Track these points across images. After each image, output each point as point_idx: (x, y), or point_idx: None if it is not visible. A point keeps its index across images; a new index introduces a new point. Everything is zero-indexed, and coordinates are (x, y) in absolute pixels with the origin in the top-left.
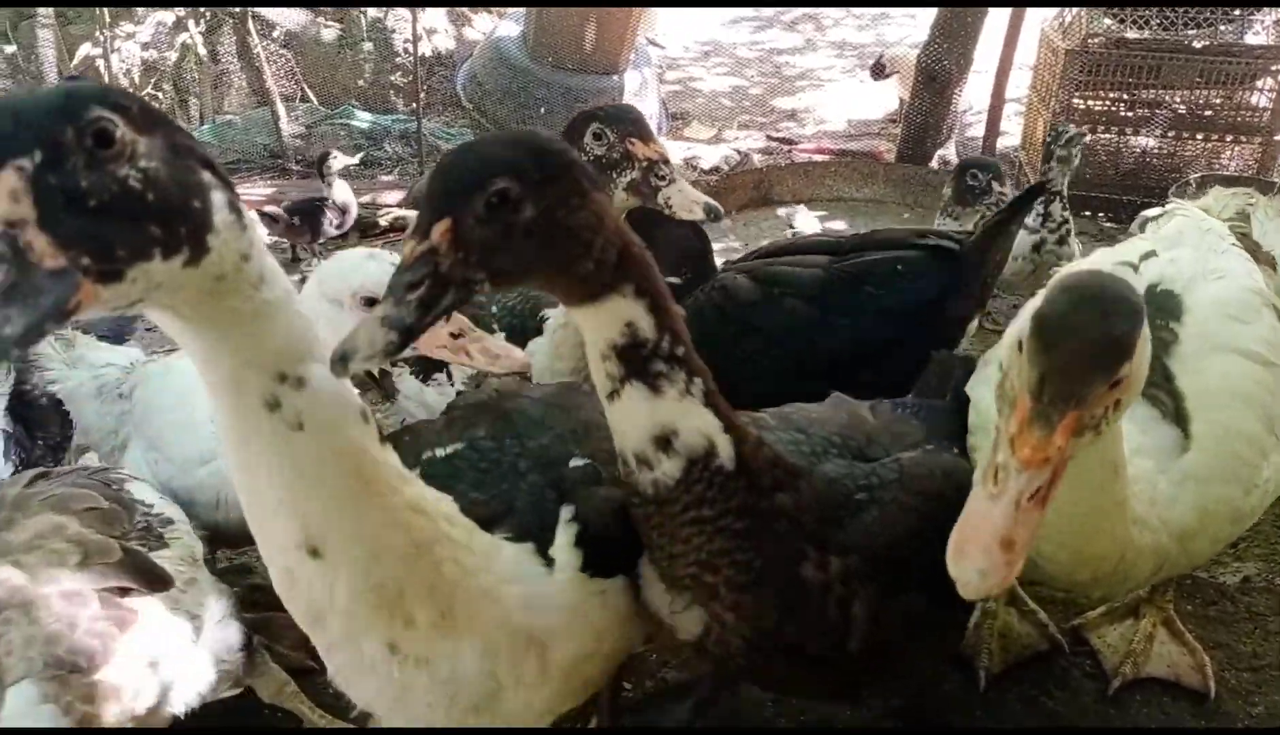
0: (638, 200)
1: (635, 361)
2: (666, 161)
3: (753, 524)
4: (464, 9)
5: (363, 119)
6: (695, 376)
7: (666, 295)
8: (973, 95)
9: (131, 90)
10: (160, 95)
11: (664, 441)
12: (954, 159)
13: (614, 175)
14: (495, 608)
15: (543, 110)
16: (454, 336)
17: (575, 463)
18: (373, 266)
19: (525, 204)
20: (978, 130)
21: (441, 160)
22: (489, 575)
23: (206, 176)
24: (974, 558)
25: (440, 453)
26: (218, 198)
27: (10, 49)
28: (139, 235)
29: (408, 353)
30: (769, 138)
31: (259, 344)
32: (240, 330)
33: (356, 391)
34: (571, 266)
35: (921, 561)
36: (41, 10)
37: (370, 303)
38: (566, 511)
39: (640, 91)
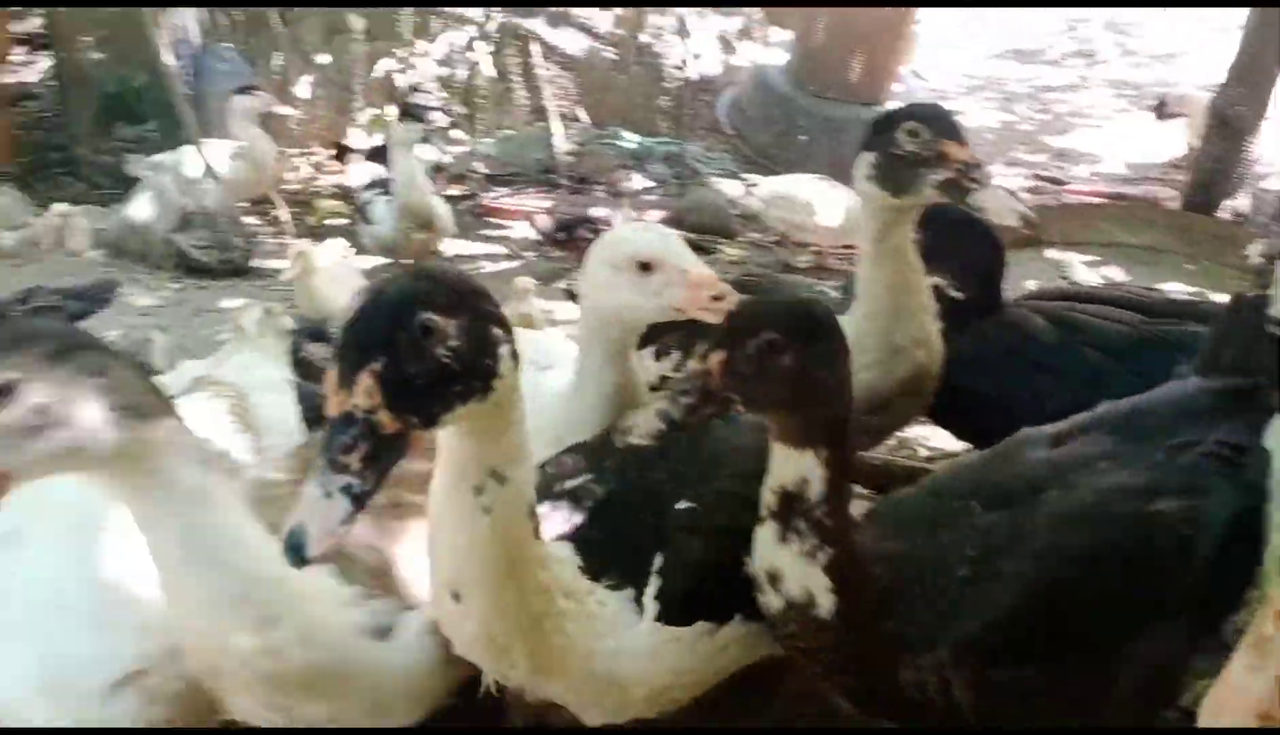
0: (946, 200)
1: (786, 508)
2: (980, 165)
3: (845, 654)
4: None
5: (629, 140)
6: (827, 545)
7: (849, 468)
8: (1267, 144)
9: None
10: (449, 109)
11: (774, 577)
12: (1246, 211)
13: (924, 172)
14: (585, 662)
15: (803, 138)
16: (715, 300)
17: (681, 505)
18: (645, 235)
19: (787, 353)
20: (1274, 182)
21: (731, 313)
22: (585, 638)
23: (496, 333)
24: (1228, 724)
25: (569, 485)
26: (504, 349)
27: (324, 59)
28: (450, 395)
29: None
30: (1037, 177)
31: (494, 446)
32: (489, 434)
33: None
34: (802, 414)
35: (1054, 625)
36: (355, 27)
37: (644, 267)
38: (657, 561)
39: None
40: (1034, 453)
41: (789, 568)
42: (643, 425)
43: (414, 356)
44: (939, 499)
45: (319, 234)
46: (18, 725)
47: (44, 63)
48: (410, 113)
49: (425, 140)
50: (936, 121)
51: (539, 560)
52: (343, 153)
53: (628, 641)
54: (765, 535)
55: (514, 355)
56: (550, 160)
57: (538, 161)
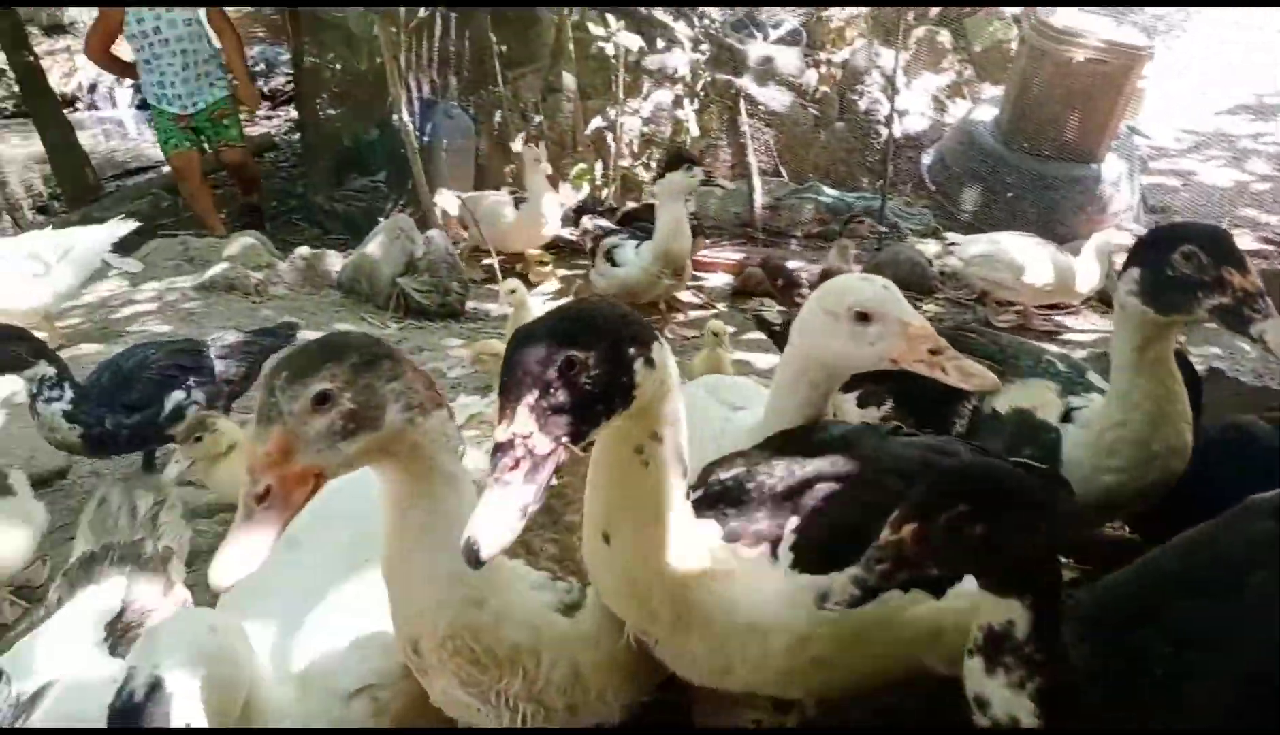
0: (1220, 326)
1: (993, 646)
2: (1263, 294)
3: None
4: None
5: (828, 195)
6: (1035, 675)
7: (1055, 612)
8: None
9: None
10: (652, 164)
11: (981, 703)
12: None
13: (1200, 296)
14: (727, 615)
15: (1010, 195)
16: (932, 353)
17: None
18: (866, 286)
19: (979, 524)
20: None
21: (926, 485)
22: (727, 590)
23: (631, 351)
24: None
25: (723, 475)
26: (638, 364)
27: (538, 118)
28: (594, 414)
29: None
30: (1266, 240)
31: (650, 416)
32: (645, 412)
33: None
34: (1003, 573)
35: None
36: (568, 87)
37: (863, 317)
38: (791, 521)
39: (1119, 181)
40: (1254, 524)
41: (995, 696)
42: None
43: (561, 388)
44: (1143, 582)
45: (526, 280)
46: (269, 704)
47: (286, 116)
48: (689, 160)
49: (703, 184)
50: (1216, 245)
51: (685, 512)
52: (581, 212)
53: (767, 586)
54: (973, 666)
55: (650, 361)
56: (749, 214)
57: (736, 215)
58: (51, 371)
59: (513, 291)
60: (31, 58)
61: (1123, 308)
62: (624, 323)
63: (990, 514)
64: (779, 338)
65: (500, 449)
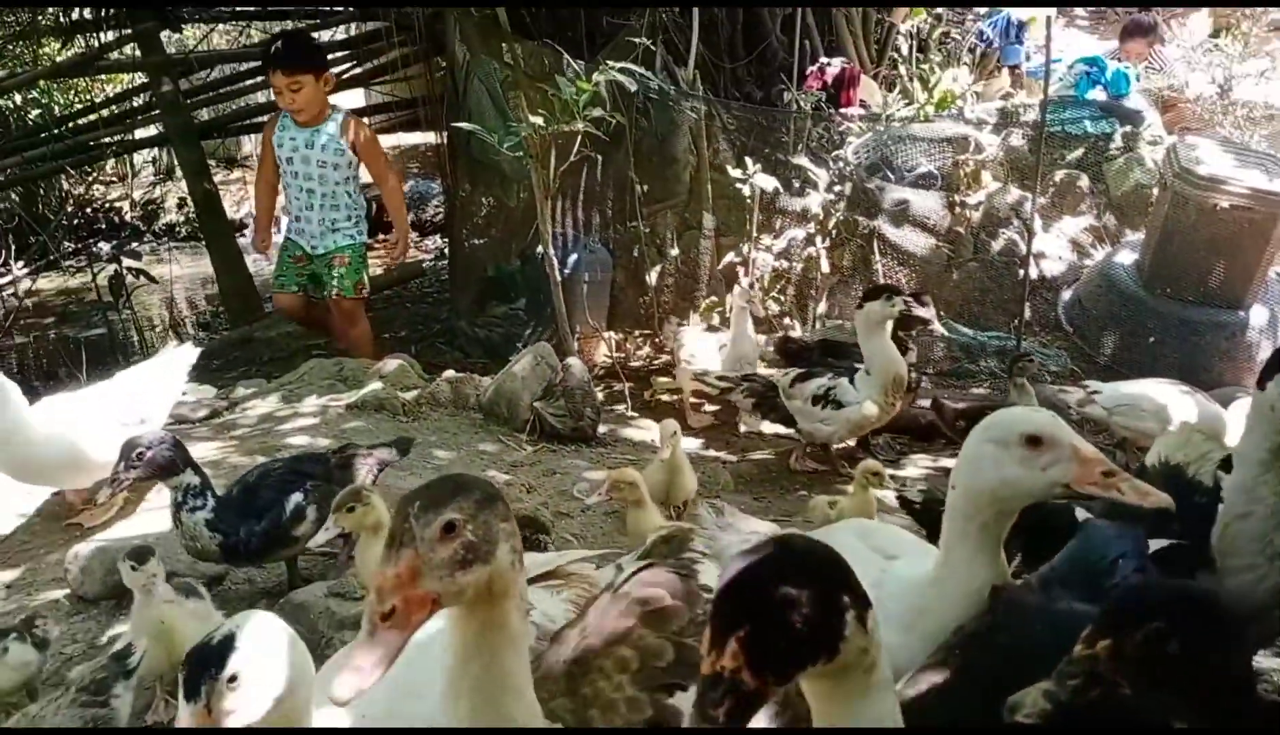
0: None
1: None
2: None
3: None
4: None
5: (961, 333)
6: None
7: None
8: None
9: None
10: (782, 297)
11: None
12: None
13: None
14: None
15: (1151, 340)
16: (1106, 475)
17: None
18: (1034, 413)
19: (1174, 643)
20: None
21: (1118, 600)
22: None
23: (845, 600)
24: None
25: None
26: (849, 616)
27: (674, 252)
28: (801, 657)
29: None
30: None
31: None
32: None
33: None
34: (1198, 695)
35: None
36: (706, 225)
37: (1033, 442)
38: None
39: (1268, 329)
40: None
41: None
42: (1029, 706)
43: (774, 626)
44: None
45: (654, 408)
46: None
47: (433, 246)
48: (888, 290)
49: (897, 313)
50: None
51: None
52: (786, 346)
53: None
54: None
55: (861, 621)
56: None
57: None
58: (196, 480)
59: (673, 435)
60: (210, 187)
61: (1272, 409)
62: (841, 570)
63: (1186, 634)
64: (920, 515)
65: (707, 682)
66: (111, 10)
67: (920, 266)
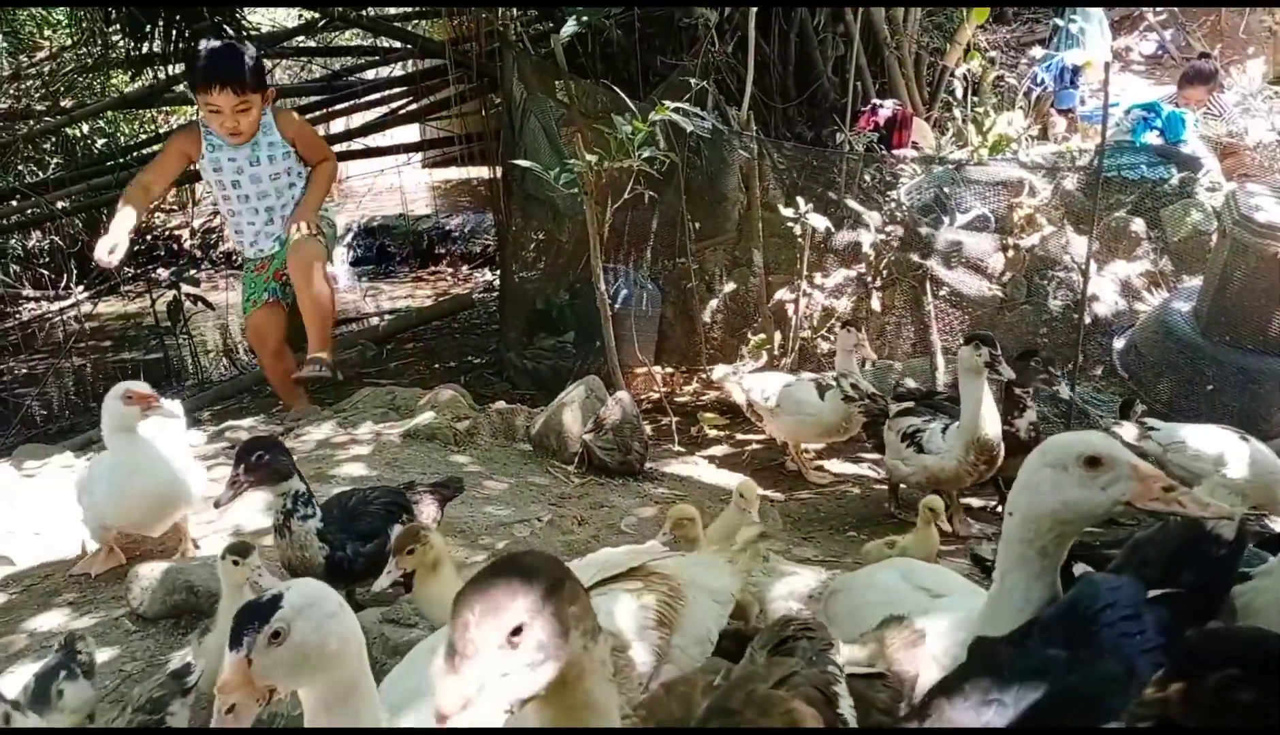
0: None
1: None
2: None
3: None
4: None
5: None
6: None
7: None
8: None
9: (807, 329)
10: (830, 336)
11: None
12: None
13: None
14: None
15: (1209, 388)
16: (1165, 490)
17: None
18: (1090, 434)
19: (1247, 690)
20: None
21: (1188, 645)
22: None
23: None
24: None
25: None
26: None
27: (729, 287)
28: None
29: None
30: None
31: None
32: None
33: None
34: None
35: None
36: (756, 261)
37: (1092, 463)
38: None
39: None
40: None
41: None
42: None
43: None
44: None
45: (700, 442)
46: None
47: (480, 277)
48: (978, 338)
49: (989, 365)
50: None
51: None
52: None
53: None
54: None
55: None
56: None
57: (912, 392)
58: (304, 488)
59: (741, 496)
60: None
61: None
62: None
63: (1260, 681)
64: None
65: None
66: (179, 45)
67: (973, 308)
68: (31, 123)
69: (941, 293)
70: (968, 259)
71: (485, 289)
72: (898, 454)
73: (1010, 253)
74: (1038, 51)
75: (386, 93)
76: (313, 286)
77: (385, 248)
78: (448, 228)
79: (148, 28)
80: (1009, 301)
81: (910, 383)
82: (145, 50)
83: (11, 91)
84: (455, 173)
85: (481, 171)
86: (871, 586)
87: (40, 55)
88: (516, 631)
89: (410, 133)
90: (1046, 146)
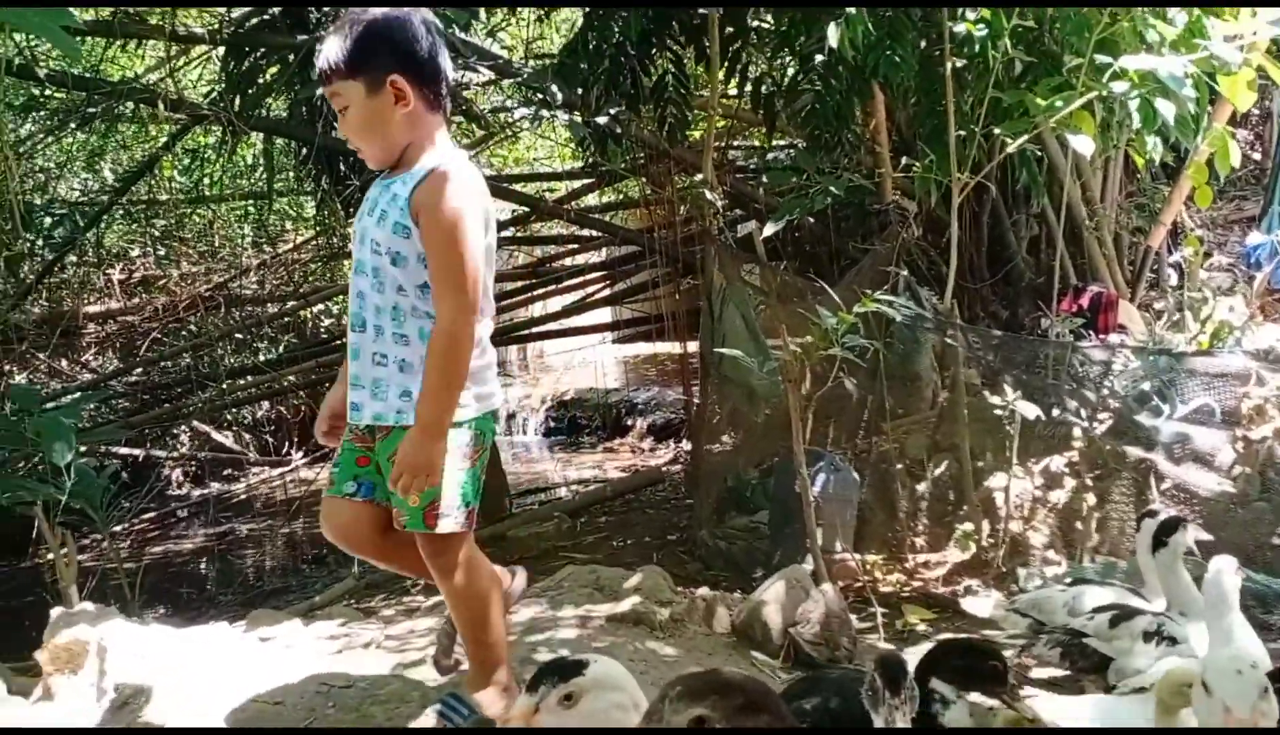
0: None
1: None
2: None
3: None
4: None
5: (1256, 580)
6: None
7: None
8: None
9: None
10: (1042, 528)
11: None
12: None
13: None
14: None
15: None
16: None
17: None
18: None
19: None
20: None
21: None
22: None
23: None
24: None
25: None
26: None
27: (937, 471)
28: None
29: None
30: None
31: None
32: None
33: None
34: None
35: None
36: (958, 447)
37: None
38: None
39: None
40: None
41: None
42: None
43: None
44: None
45: (907, 637)
46: None
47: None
48: (1181, 521)
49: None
50: None
51: None
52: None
53: None
54: None
55: None
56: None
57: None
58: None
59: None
60: None
61: None
62: None
63: None
64: None
65: None
66: None
67: (1202, 505)
68: (273, 307)
69: (1163, 486)
70: (1194, 452)
71: (671, 460)
72: (1146, 656)
73: (1240, 445)
74: (1255, 237)
75: (584, 278)
76: (447, 582)
77: (576, 419)
78: (636, 401)
79: None
80: (1241, 499)
81: None
82: None
83: (256, 278)
84: (644, 347)
85: (671, 347)
86: None
87: (285, 246)
88: (699, 722)
89: (603, 314)
90: (1268, 329)
